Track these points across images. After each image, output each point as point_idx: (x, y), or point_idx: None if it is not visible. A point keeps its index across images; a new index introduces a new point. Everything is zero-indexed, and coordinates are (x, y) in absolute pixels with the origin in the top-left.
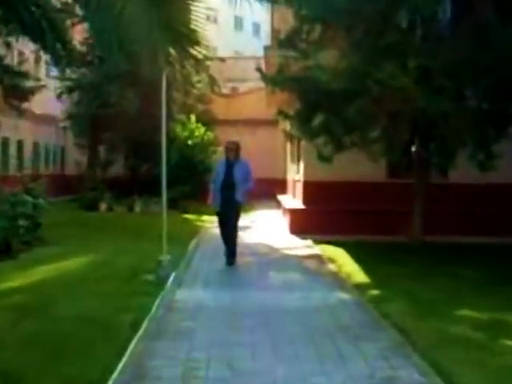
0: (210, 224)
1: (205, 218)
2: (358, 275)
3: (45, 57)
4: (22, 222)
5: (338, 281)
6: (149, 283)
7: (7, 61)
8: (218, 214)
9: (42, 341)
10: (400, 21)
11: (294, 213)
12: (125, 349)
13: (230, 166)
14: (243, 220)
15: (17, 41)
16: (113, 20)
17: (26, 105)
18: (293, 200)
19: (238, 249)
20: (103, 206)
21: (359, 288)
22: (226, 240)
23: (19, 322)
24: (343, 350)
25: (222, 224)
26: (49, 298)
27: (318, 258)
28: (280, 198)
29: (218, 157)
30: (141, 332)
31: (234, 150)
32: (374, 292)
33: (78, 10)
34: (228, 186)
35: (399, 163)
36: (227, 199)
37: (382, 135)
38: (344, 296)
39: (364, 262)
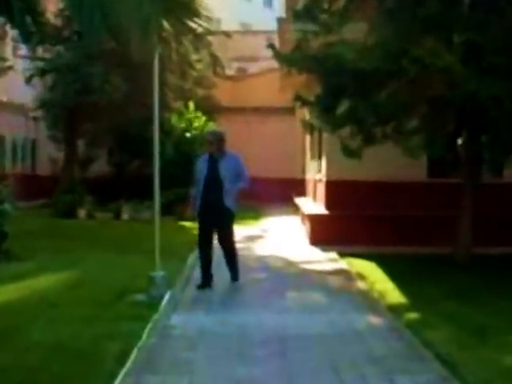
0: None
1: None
2: (393, 295)
3: (11, 32)
4: None
5: (369, 301)
6: (139, 305)
7: None
8: (199, 222)
9: (8, 375)
10: None
11: (314, 219)
12: None
13: (214, 161)
14: (253, 228)
15: None
16: None
17: None
18: (313, 204)
19: (249, 263)
20: (82, 213)
21: (394, 310)
22: (204, 257)
23: None
24: None
25: (203, 235)
26: (15, 323)
27: (344, 273)
28: (298, 201)
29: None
30: (128, 364)
31: (214, 143)
32: (413, 315)
33: None
34: (212, 186)
35: (443, 159)
36: (212, 204)
37: (421, 126)
38: (376, 320)
39: (400, 278)
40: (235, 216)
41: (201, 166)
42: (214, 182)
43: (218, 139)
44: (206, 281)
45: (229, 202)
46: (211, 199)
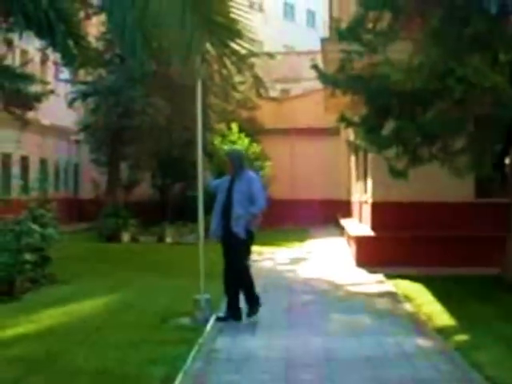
0: (257, 256)
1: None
2: (441, 317)
3: (53, 56)
4: (27, 257)
5: (417, 324)
6: (183, 329)
7: (8, 61)
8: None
9: None
10: (488, 5)
11: (360, 241)
12: None
13: (231, 182)
14: (298, 250)
15: (20, 37)
16: (137, 10)
17: (30, 114)
18: (359, 225)
19: (295, 285)
20: (126, 236)
21: (443, 333)
22: (226, 284)
23: (24, 378)
24: None
25: (224, 261)
26: (59, 348)
27: (391, 295)
28: (343, 222)
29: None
30: None
31: (231, 163)
32: (462, 337)
33: None
34: (227, 210)
35: (490, 179)
36: (226, 229)
37: (468, 145)
38: (424, 342)
39: (448, 300)
40: (249, 243)
41: (222, 187)
42: (228, 205)
43: (234, 158)
44: (229, 311)
45: (237, 227)
46: (224, 223)
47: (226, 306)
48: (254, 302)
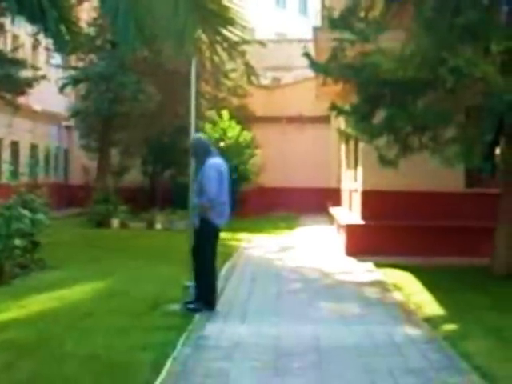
0: (248, 243)
1: (241, 235)
2: (430, 306)
3: (44, 41)
4: (17, 242)
5: (406, 313)
6: (172, 315)
7: None
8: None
9: None
10: None
11: (350, 229)
12: None
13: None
14: (288, 238)
15: (12, 22)
16: None
17: (21, 99)
18: (349, 214)
19: (284, 273)
20: (116, 222)
21: (431, 322)
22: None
23: (14, 363)
24: None
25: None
26: (49, 333)
27: (380, 284)
28: (333, 211)
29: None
30: (163, 375)
31: (191, 151)
32: (450, 327)
33: None
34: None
35: (480, 169)
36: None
37: (458, 135)
38: (413, 331)
39: (437, 289)
40: (210, 235)
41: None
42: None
43: (195, 146)
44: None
45: (193, 217)
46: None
47: (195, 296)
48: (203, 299)
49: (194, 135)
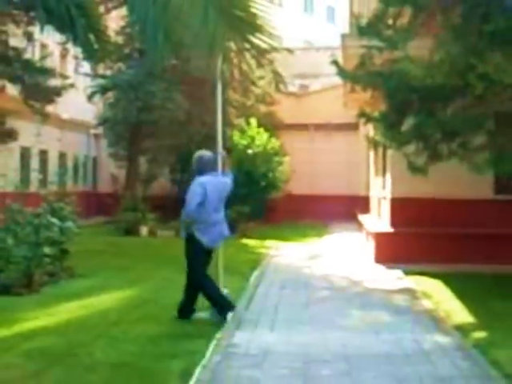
0: (276, 251)
1: (269, 243)
2: (460, 314)
3: (73, 50)
4: (46, 250)
5: (435, 321)
6: (201, 323)
7: (28, 55)
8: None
9: None
10: (509, 1)
11: (379, 237)
12: None
13: None
14: (316, 246)
15: (40, 31)
16: (159, 4)
17: (50, 108)
18: (378, 221)
19: (312, 281)
20: (144, 230)
21: (461, 330)
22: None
23: (44, 371)
24: None
25: None
26: (78, 341)
27: (409, 292)
28: (362, 218)
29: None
30: (192, 383)
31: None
32: (481, 335)
33: None
34: None
35: (510, 176)
36: None
37: (487, 142)
38: (442, 339)
39: (467, 297)
40: (196, 250)
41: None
42: None
43: (193, 162)
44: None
45: (181, 231)
46: None
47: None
48: (219, 307)
49: (197, 152)
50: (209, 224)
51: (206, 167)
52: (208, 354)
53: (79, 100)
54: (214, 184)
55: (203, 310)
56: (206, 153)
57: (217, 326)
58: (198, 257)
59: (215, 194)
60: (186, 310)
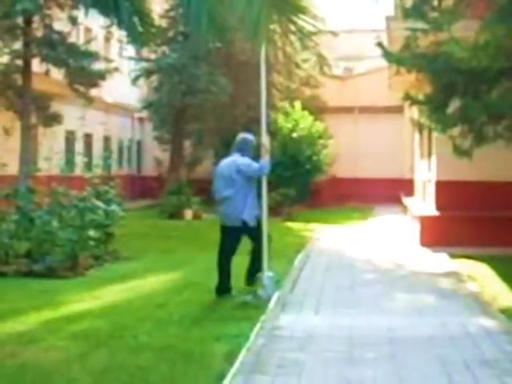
0: (321, 234)
1: (314, 226)
2: (506, 297)
3: (117, 34)
4: (91, 233)
5: (481, 304)
6: (246, 306)
7: (72, 39)
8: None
9: (117, 375)
10: None
11: (425, 220)
12: None
13: None
14: (361, 229)
15: (85, 15)
16: None
17: (94, 91)
18: (423, 204)
19: (358, 264)
20: (189, 213)
21: (507, 313)
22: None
23: (89, 353)
24: None
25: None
26: (123, 324)
27: (455, 275)
28: (406, 201)
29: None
30: (237, 365)
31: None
32: None
33: None
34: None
35: None
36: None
37: None
38: (488, 323)
39: None
40: None
41: None
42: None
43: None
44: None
45: None
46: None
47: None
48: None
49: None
50: (217, 204)
51: (234, 147)
52: (252, 336)
53: (123, 83)
54: (225, 165)
55: (247, 293)
56: (246, 136)
57: (261, 308)
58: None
59: (219, 176)
60: (251, 276)
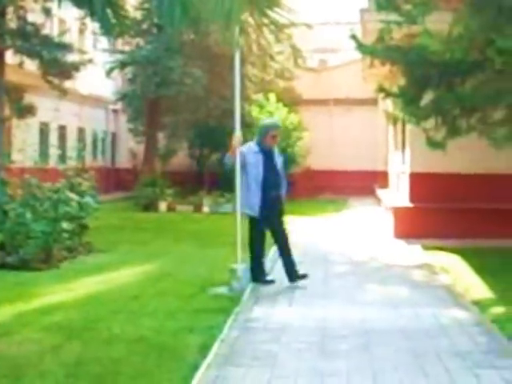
0: (294, 226)
1: (288, 218)
2: (478, 289)
3: (91, 25)
4: (65, 225)
5: (453, 296)
6: (220, 298)
7: (46, 31)
8: (261, 219)
9: (90, 367)
10: None
11: (398, 212)
12: (191, 378)
13: (269, 155)
14: (335, 221)
15: (58, 6)
16: None
17: (68, 83)
18: (396, 196)
19: (331, 256)
20: (163, 205)
21: (480, 305)
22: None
23: (62, 345)
24: (459, 381)
25: (263, 232)
26: (96, 316)
27: (428, 267)
28: (380, 193)
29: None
30: (210, 357)
31: (278, 135)
32: (499, 310)
33: None
34: (272, 181)
35: None
36: (274, 199)
37: (507, 116)
38: (461, 314)
39: (486, 272)
40: None
41: (254, 160)
42: (272, 178)
43: (280, 132)
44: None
45: (284, 195)
46: (274, 195)
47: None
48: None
49: (273, 119)
50: None
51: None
52: (226, 328)
53: (98, 75)
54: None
55: (221, 285)
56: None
57: (235, 300)
58: None
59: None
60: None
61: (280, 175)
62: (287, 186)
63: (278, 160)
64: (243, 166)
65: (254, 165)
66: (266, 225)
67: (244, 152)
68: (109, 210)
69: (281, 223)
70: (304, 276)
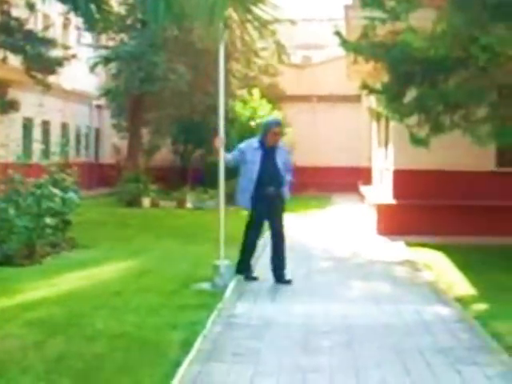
0: None
1: None
2: (461, 286)
3: (75, 21)
4: (48, 221)
5: (436, 292)
6: (203, 294)
7: (30, 26)
8: (255, 214)
9: (72, 363)
10: None
11: (381, 209)
12: (173, 374)
13: (269, 152)
14: (318, 217)
15: (42, 1)
16: None
17: (52, 78)
18: (380, 193)
19: (315, 252)
20: (147, 201)
21: (462, 301)
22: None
23: (45, 341)
24: (442, 378)
25: (257, 226)
26: (79, 312)
27: (411, 263)
28: (364, 190)
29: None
30: (193, 353)
31: (280, 133)
32: (481, 306)
33: None
34: (267, 178)
35: None
36: (270, 196)
37: (490, 114)
38: (443, 311)
39: (469, 269)
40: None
41: (252, 157)
42: (270, 174)
43: (282, 129)
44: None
45: (286, 193)
46: (271, 191)
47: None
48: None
49: (275, 116)
50: None
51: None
52: (209, 324)
53: (82, 71)
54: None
55: (204, 281)
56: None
57: (218, 296)
58: None
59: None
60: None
61: (280, 173)
62: (289, 184)
63: (282, 158)
64: (242, 163)
65: (251, 161)
66: (266, 217)
67: (242, 149)
68: (92, 205)
69: (281, 223)
70: (288, 282)
